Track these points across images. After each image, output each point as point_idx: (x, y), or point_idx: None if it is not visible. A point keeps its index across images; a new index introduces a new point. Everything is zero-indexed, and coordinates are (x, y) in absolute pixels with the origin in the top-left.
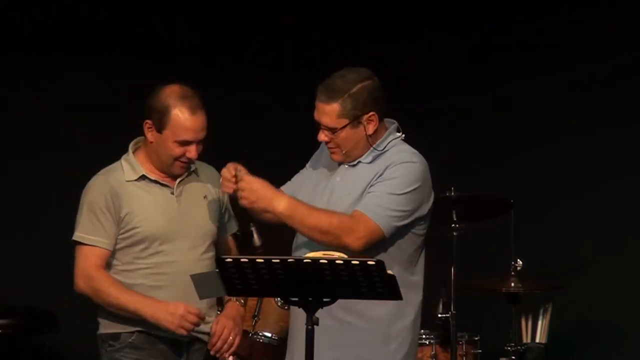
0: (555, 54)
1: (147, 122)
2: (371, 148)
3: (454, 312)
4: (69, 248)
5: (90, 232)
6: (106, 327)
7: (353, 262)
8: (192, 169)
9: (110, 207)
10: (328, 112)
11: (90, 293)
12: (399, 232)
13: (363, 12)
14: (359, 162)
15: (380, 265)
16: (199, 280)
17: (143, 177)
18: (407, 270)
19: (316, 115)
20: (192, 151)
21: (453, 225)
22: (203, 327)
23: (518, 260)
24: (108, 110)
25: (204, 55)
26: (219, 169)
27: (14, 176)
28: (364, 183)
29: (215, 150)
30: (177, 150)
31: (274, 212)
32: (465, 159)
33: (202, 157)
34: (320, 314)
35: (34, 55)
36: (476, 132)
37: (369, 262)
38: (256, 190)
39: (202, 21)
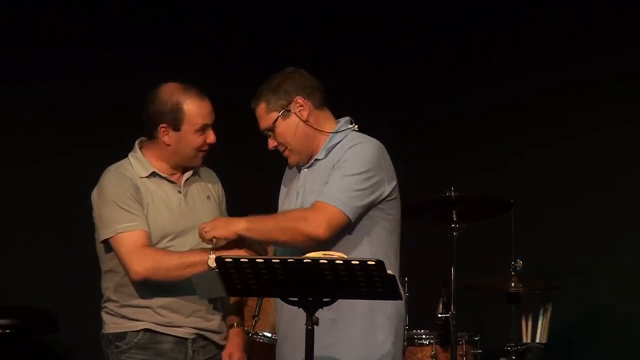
0: (556, 54)
1: (162, 127)
2: (325, 140)
3: (454, 312)
4: (69, 248)
5: (126, 221)
6: (111, 326)
7: (353, 262)
8: (194, 170)
9: (136, 197)
10: (260, 114)
11: (151, 272)
12: (365, 217)
13: (363, 14)
14: (315, 160)
15: (380, 265)
16: (199, 280)
17: (154, 174)
18: (382, 257)
19: (259, 126)
20: (211, 136)
21: (453, 225)
22: (207, 325)
23: (518, 260)
24: (106, 114)
25: (201, 55)
26: (216, 170)
27: (14, 178)
28: (324, 177)
29: (217, 152)
30: (199, 140)
31: (236, 233)
32: (465, 159)
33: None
34: (299, 314)
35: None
36: (476, 132)
37: (369, 262)
38: (214, 222)
39: (200, 21)
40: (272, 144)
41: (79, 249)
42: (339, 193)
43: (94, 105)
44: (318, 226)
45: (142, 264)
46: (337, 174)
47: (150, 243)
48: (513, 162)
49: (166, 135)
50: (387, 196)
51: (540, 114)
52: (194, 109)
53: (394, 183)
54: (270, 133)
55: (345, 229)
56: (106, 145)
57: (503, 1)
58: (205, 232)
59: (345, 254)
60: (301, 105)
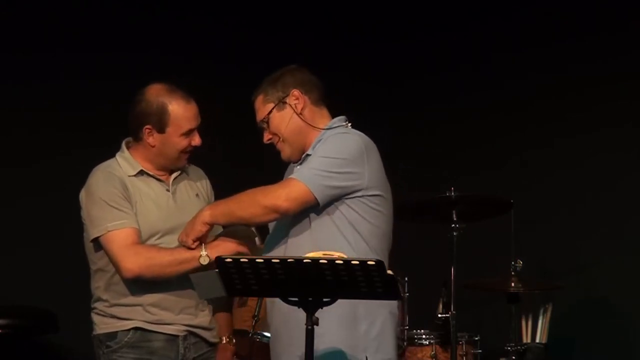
0: (556, 54)
1: (146, 128)
2: (316, 136)
3: (454, 312)
4: (69, 248)
5: (116, 219)
6: (101, 326)
7: (353, 262)
8: (182, 169)
9: (125, 195)
10: (257, 106)
11: (144, 269)
12: (345, 208)
13: (363, 14)
14: (306, 155)
15: (380, 265)
16: (198, 280)
17: (142, 173)
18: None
19: (256, 119)
20: (196, 138)
21: (453, 225)
22: (197, 322)
23: (518, 260)
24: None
25: (201, 55)
26: (216, 170)
27: (14, 178)
28: None
29: (216, 152)
30: (184, 142)
31: (205, 222)
32: (465, 159)
33: (197, 159)
34: (291, 312)
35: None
36: (476, 132)
37: (369, 262)
38: (185, 227)
39: (200, 21)
40: (266, 137)
41: (79, 249)
42: (307, 170)
43: (94, 105)
44: (277, 197)
45: (134, 261)
46: (314, 155)
47: (141, 240)
48: (513, 162)
49: (150, 137)
50: (367, 189)
51: (540, 114)
52: (180, 112)
53: (378, 181)
54: (265, 125)
55: (325, 220)
56: (106, 145)
57: (503, 1)
58: (182, 241)
59: (323, 248)
60: (297, 99)
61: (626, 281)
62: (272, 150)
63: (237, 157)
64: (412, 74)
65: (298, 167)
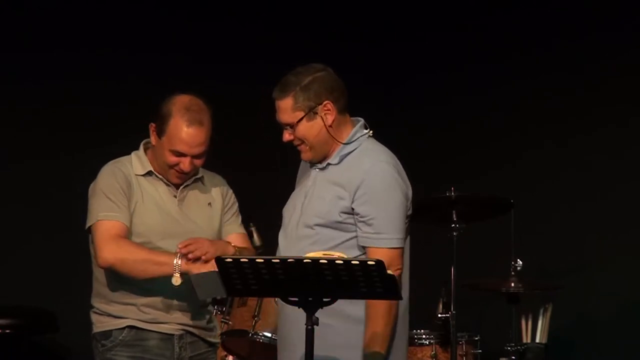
0: (557, 54)
1: (151, 125)
2: (340, 145)
3: (454, 312)
4: (69, 248)
5: (108, 210)
6: (98, 325)
7: (353, 262)
8: (198, 176)
9: (126, 192)
10: (283, 108)
11: (117, 262)
12: None
13: (363, 14)
14: (328, 164)
15: (380, 265)
16: (198, 280)
17: (150, 173)
18: None
19: (277, 116)
20: (185, 163)
21: (453, 225)
22: (194, 321)
23: (518, 260)
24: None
25: (201, 55)
26: (220, 171)
27: (14, 178)
28: (334, 184)
29: (217, 152)
30: (171, 159)
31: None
32: (465, 159)
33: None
34: (300, 318)
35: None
36: (476, 132)
37: (369, 262)
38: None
39: (200, 21)
40: (287, 137)
41: (79, 249)
42: (387, 230)
43: (94, 105)
44: (395, 272)
45: (110, 251)
46: (372, 211)
47: (126, 236)
48: (513, 162)
49: (153, 135)
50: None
51: (540, 114)
52: (176, 130)
53: (410, 194)
54: (289, 128)
55: (352, 243)
56: (106, 145)
57: (503, 1)
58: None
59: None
60: (328, 110)
61: (626, 281)
62: (269, 149)
63: (236, 157)
64: (412, 74)
65: (317, 170)
